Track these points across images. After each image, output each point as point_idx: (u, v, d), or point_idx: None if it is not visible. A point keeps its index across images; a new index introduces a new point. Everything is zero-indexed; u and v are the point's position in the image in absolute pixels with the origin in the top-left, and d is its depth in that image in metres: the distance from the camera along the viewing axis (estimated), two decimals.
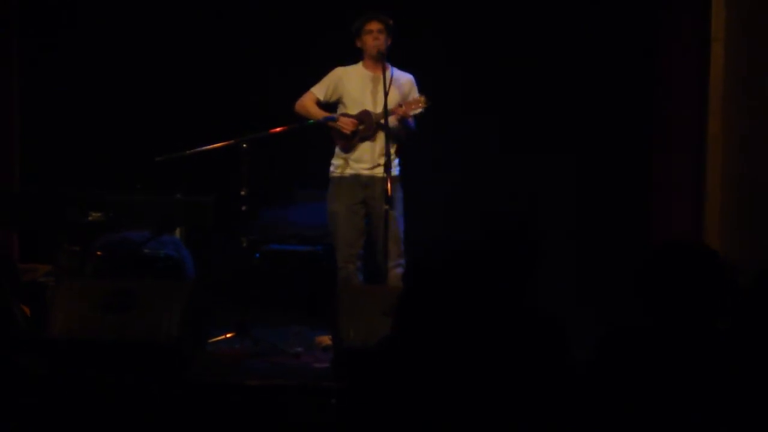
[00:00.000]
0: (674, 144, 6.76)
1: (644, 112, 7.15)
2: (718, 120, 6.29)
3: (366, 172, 6.22)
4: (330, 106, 6.37)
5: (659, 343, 2.72)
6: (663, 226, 6.77)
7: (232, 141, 6.17)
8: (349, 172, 6.27)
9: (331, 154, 6.41)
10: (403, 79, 6.31)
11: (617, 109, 7.43)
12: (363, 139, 6.22)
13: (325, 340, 6.02)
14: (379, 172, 6.11)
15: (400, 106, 6.10)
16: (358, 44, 6.27)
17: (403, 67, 6.37)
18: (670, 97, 6.82)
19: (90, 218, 6.16)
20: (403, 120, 6.15)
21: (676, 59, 6.76)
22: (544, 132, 7.62)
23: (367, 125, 6.18)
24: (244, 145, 6.12)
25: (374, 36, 6.18)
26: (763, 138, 6.12)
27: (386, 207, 5.90)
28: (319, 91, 6.36)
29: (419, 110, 6.14)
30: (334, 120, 6.25)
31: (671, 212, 6.73)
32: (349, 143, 6.24)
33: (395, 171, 6.24)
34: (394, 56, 6.32)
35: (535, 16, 7.57)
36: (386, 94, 5.98)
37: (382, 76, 6.05)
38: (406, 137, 6.29)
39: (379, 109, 6.10)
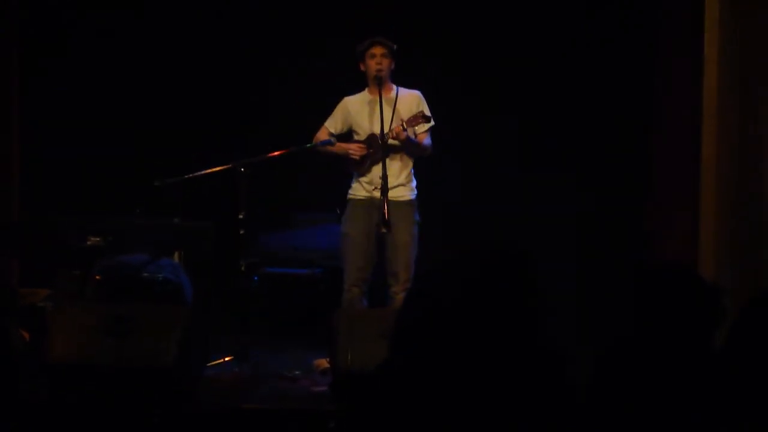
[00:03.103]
0: (672, 166, 6.80)
1: (642, 133, 7.21)
2: (712, 140, 6.31)
3: (380, 196, 6.06)
4: (344, 137, 6.38)
5: (653, 366, 2.73)
6: (661, 246, 6.80)
7: (230, 165, 6.19)
8: (364, 195, 6.26)
9: (329, 179, 6.43)
10: (409, 98, 6.30)
11: (616, 131, 7.47)
12: (374, 162, 6.21)
13: (324, 363, 6.01)
14: (393, 194, 6.06)
15: (400, 125, 6.10)
16: (362, 68, 6.29)
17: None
18: (667, 118, 6.87)
19: (89, 242, 6.17)
20: (407, 139, 6.10)
21: (671, 81, 6.81)
22: (544, 150, 7.65)
23: (376, 148, 6.18)
24: (242, 169, 6.15)
25: (377, 61, 6.19)
26: (756, 157, 6.15)
27: (383, 230, 5.92)
28: (331, 124, 6.40)
29: (419, 125, 6.13)
30: (331, 144, 6.27)
31: (669, 233, 6.76)
32: (362, 168, 6.25)
33: (411, 195, 6.25)
34: (398, 72, 6.34)
35: (534, 30, 7.60)
36: (382, 116, 6.01)
37: (385, 98, 6.08)
38: (419, 153, 6.27)
39: (386, 130, 6.12)
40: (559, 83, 7.62)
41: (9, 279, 6.95)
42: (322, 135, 6.39)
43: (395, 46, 6.24)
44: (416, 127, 6.14)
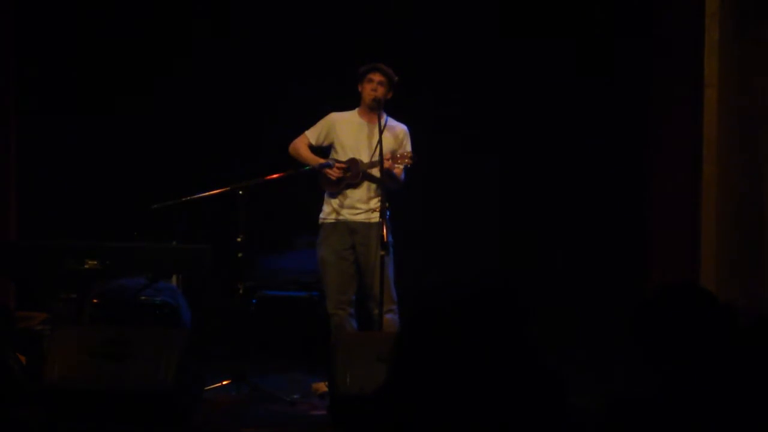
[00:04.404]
0: (670, 194, 6.80)
1: (640, 159, 7.21)
2: (713, 166, 6.32)
3: (353, 218, 6.24)
4: (323, 150, 6.40)
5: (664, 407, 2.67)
6: (661, 274, 6.79)
7: (228, 188, 6.19)
8: (336, 218, 6.29)
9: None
10: (397, 130, 6.34)
11: (613, 161, 7.47)
12: (349, 186, 6.25)
13: (322, 387, 6.00)
14: (366, 218, 6.16)
15: (388, 159, 6.11)
16: (359, 89, 6.32)
17: (401, 116, 6.41)
18: (666, 144, 6.87)
19: (86, 266, 6.16)
20: (388, 172, 6.15)
21: (670, 105, 6.82)
22: (542, 178, 7.66)
23: (354, 173, 6.21)
24: (240, 192, 6.14)
25: (373, 86, 6.21)
26: (756, 183, 6.15)
27: (382, 253, 5.91)
28: (312, 135, 6.40)
29: (405, 164, 6.17)
30: (331, 167, 6.27)
31: (669, 263, 6.75)
32: (336, 189, 6.26)
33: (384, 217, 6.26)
34: (397, 105, 6.35)
35: (530, 54, 7.61)
36: (380, 144, 6.02)
37: (375, 125, 6.09)
38: (394, 188, 6.29)
39: (368, 158, 6.14)
40: (558, 105, 7.63)
41: (6, 303, 6.93)
42: (300, 143, 6.40)
43: (396, 77, 6.25)
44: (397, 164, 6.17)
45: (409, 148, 6.30)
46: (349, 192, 6.25)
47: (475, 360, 2.51)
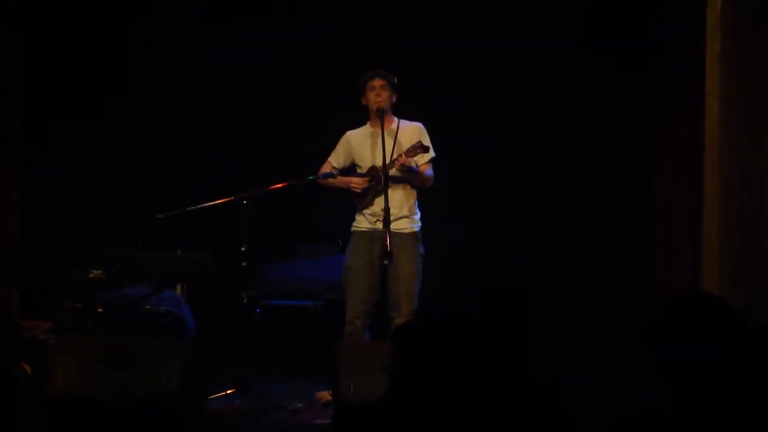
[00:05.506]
0: (672, 198, 6.82)
1: (641, 165, 7.22)
2: (715, 173, 6.33)
3: (382, 227, 6.03)
4: (349, 169, 6.39)
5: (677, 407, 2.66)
6: (662, 282, 6.80)
7: (232, 197, 6.20)
8: (366, 227, 6.26)
9: (333, 210, 6.44)
10: (410, 130, 6.27)
11: (615, 166, 7.48)
12: (376, 194, 6.19)
13: (326, 395, 6.00)
14: (396, 226, 6.04)
15: (401, 155, 6.08)
16: (363, 101, 6.30)
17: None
18: (668, 154, 6.88)
19: (91, 275, 6.17)
20: (408, 169, 6.09)
21: (672, 114, 6.84)
22: (544, 182, 7.67)
23: (377, 180, 6.16)
24: (245, 202, 6.15)
25: (376, 92, 6.19)
26: (757, 190, 6.17)
27: (386, 262, 5.89)
28: (334, 159, 6.41)
29: (419, 155, 6.10)
30: (333, 176, 6.27)
31: (671, 270, 6.76)
32: (364, 200, 6.25)
33: (415, 227, 6.23)
34: (405, 110, 6.36)
35: (534, 58, 7.63)
36: (383, 142, 6.00)
37: (386, 129, 6.07)
38: (420, 184, 6.25)
39: (381, 163, 6.12)
40: (560, 111, 7.65)
41: (10, 311, 6.94)
42: (325, 170, 6.39)
43: (396, 79, 6.25)
44: (417, 158, 6.11)
45: (426, 143, 6.22)
46: (377, 200, 6.18)
47: (475, 367, 2.52)
